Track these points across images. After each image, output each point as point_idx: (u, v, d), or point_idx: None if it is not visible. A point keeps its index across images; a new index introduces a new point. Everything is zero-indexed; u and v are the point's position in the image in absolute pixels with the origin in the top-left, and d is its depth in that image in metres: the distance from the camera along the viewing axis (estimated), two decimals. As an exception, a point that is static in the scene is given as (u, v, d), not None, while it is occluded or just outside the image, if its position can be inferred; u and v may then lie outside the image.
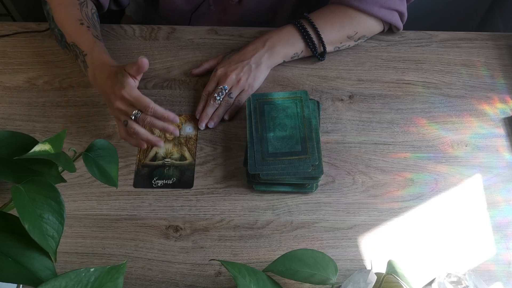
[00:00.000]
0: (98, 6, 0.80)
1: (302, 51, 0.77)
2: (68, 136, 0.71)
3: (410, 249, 0.63)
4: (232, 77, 0.72)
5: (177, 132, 0.66)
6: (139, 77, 0.65)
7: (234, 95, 0.72)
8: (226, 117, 0.73)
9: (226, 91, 0.72)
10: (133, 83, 0.63)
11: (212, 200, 0.66)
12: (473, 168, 0.69)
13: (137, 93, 0.63)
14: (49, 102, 0.75)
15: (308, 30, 0.75)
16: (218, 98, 0.71)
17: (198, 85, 0.78)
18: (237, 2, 0.86)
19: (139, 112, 0.63)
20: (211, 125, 0.72)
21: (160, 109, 0.63)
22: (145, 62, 0.61)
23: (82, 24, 0.72)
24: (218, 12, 0.89)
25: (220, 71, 0.73)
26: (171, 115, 0.64)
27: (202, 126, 0.72)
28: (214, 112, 0.72)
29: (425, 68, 0.79)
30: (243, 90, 0.73)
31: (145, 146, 0.67)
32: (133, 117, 0.63)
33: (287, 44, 0.76)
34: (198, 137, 0.72)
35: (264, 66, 0.75)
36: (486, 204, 0.66)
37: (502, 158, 0.70)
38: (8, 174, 0.43)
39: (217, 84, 0.73)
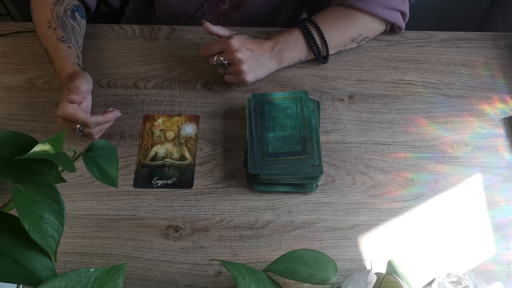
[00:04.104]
0: (85, 7, 0.80)
1: (306, 56, 0.77)
2: (68, 136, 0.71)
3: (410, 249, 0.63)
4: (241, 61, 0.70)
5: (119, 114, 0.68)
6: (79, 97, 0.63)
7: (227, 71, 0.73)
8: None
9: (224, 64, 0.71)
10: (69, 98, 0.62)
11: (212, 200, 0.66)
12: (473, 168, 0.69)
13: (71, 111, 0.62)
14: (49, 102, 0.75)
15: (314, 35, 0.75)
16: (214, 63, 0.71)
17: (198, 85, 0.78)
18: (234, 8, 0.86)
19: (81, 126, 0.65)
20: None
21: (100, 119, 0.65)
22: (76, 99, 0.61)
23: (50, 26, 0.71)
24: (216, 18, 0.89)
25: (232, 43, 0.70)
26: (111, 115, 0.66)
27: None
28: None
29: (425, 68, 0.79)
30: (235, 72, 0.73)
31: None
32: (79, 133, 0.65)
33: (294, 51, 0.76)
34: (198, 137, 0.72)
35: (266, 69, 0.76)
36: (486, 204, 0.66)
37: (502, 158, 0.70)
38: (8, 174, 0.43)
39: (221, 52, 0.71)
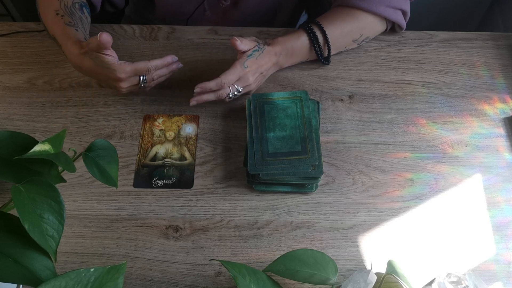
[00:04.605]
0: (91, 6, 0.80)
1: (307, 58, 0.78)
2: (68, 136, 0.71)
3: (410, 249, 0.63)
4: (251, 84, 0.71)
5: (180, 65, 0.71)
6: (110, 49, 0.63)
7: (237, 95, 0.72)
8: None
9: (239, 92, 0.71)
10: (115, 60, 0.63)
11: (212, 200, 0.66)
12: (473, 168, 0.69)
13: (129, 66, 0.64)
14: (49, 102, 0.75)
15: (319, 39, 0.74)
16: (230, 96, 0.70)
17: (198, 85, 0.77)
18: (233, 5, 0.86)
19: (144, 76, 0.66)
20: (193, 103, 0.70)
21: (159, 62, 0.66)
22: (104, 37, 0.60)
23: (57, 14, 0.71)
24: (216, 16, 0.89)
25: (248, 71, 0.69)
26: (169, 58, 0.68)
27: (193, 103, 0.70)
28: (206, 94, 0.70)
29: (425, 68, 0.79)
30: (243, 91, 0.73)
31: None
32: (142, 85, 0.67)
33: (298, 56, 0.76)
34: (198, 137, 0.72)
35: (269, 75, 0.77)
36: (486, 204, 0.66)
37: (502, 158, 0.70)
38: (8, 174, 0.43)
39: (238, 80, 0.70)
